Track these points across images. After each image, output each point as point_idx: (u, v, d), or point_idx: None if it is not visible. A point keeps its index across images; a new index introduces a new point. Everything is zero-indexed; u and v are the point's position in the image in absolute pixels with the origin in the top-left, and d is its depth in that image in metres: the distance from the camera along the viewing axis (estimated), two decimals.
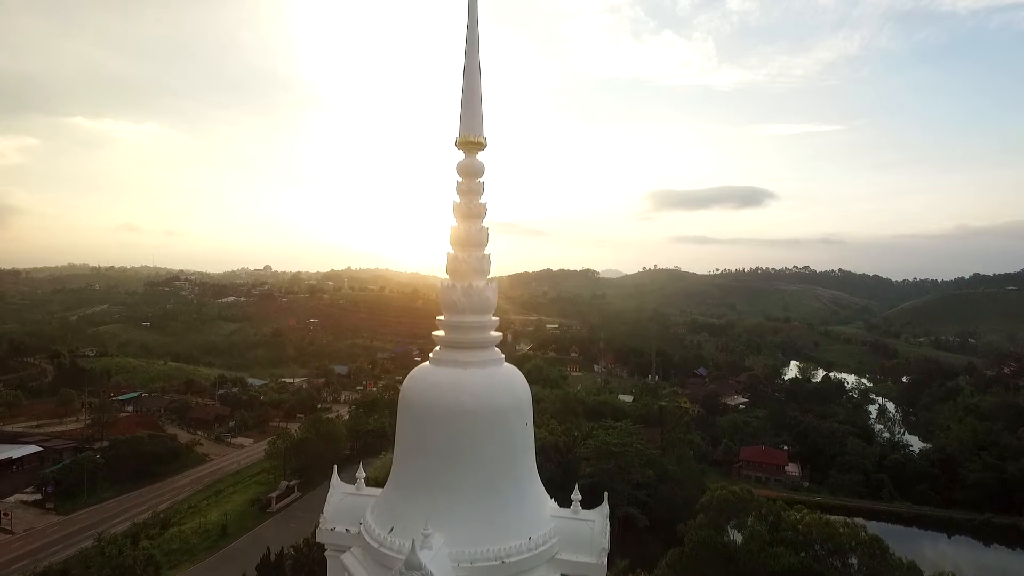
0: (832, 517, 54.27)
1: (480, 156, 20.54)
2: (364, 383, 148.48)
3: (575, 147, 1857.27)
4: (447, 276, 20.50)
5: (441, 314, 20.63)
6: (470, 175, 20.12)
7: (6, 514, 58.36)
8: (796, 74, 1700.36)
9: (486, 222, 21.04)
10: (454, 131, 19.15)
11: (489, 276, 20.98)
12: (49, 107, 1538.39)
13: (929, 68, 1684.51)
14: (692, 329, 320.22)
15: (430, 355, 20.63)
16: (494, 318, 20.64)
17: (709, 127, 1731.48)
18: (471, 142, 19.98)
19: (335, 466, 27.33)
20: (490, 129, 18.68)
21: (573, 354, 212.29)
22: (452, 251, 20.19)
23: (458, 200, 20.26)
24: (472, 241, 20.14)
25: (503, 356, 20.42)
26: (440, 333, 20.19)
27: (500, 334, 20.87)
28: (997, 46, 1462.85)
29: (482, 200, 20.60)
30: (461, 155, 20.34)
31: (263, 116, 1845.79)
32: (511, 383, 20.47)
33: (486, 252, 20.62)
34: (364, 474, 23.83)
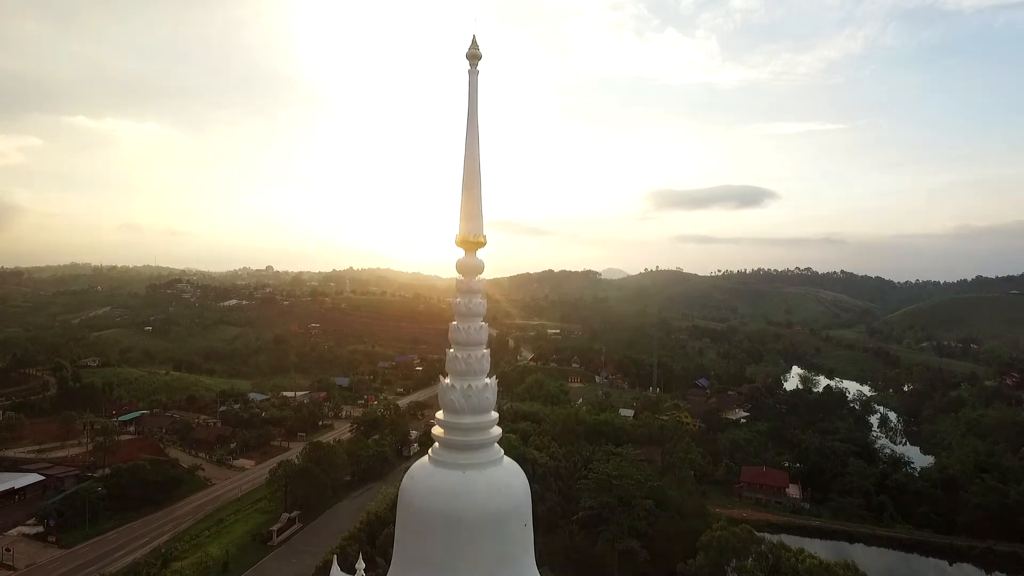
0: (833, 558, 54.26)
1: (480, 253, 20.87)
2: (366, 397, 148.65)
3: (577, 145, 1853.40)
4: (446, 373, 20.62)
5: (440, 409, 20.84)
6: (470, 273, 20.35)
7: (8, 549, 58.43)
8: (799, 72, 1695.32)
9: (483, 320, 21.24)
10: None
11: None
12: (51, 106, 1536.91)
13: (933, 67, 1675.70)
14: (693, 335, 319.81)
15: (429, 452, 20.78)
16: (494, 414, 20.78)
17: (711, 126, 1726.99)
18: (471, 242, 20.21)
19: (335, 556, 27.50)
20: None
21: (575, 364, 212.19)
22: (452, 350, 20.33)
23: (458, 300, 20.45)
24: (472, 341, 20.31)
25: (503, 453, 20.57)
26: (439, 431, 20.33)
27: (500, 430, 21.02)
28: (1002, 45, 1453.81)
29: (481, 299, 20.79)
30: (461, 252, 20.65)
31: (265, 115, 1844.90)
32: (509, 486, 20.57)
33: (485, 351, 20.76)
34: (363, 565, 24.00)
